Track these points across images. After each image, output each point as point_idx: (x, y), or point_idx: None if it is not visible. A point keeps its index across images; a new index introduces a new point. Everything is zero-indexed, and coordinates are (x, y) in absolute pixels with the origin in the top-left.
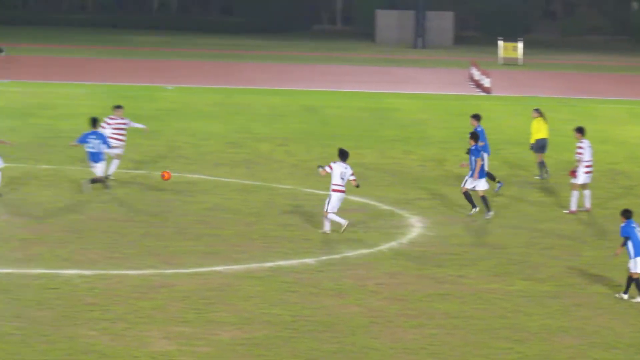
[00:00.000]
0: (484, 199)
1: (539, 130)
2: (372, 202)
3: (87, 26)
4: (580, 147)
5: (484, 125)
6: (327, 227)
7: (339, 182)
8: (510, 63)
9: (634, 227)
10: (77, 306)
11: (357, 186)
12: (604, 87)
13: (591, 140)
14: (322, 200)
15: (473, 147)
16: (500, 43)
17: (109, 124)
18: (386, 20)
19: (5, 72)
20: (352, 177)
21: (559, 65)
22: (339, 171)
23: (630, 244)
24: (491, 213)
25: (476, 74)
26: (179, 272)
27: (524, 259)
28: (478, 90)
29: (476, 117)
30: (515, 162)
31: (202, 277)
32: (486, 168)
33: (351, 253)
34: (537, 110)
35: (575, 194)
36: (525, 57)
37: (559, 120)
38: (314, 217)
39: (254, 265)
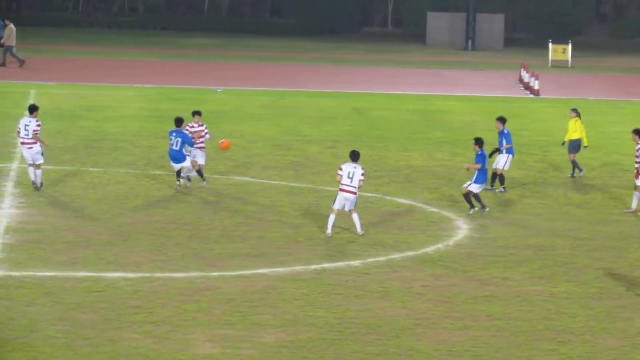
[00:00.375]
0: (476, 196)
1: (575, 130)
2: (419, 204)
3: (137, 28)
4: None
5: (533, 126)
6: (358, 227)
7: (347, 181)
8: (560, 65)
9: None
10: (120, 309)
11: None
12: None
13: None
14: (369, 202)
15: (479, 153)
16: (550, 45)
17: (187, 131)
18: (437, 22)
19: (53, 75)
20: (361, 177)
21: (608, 67)
22: (347, 171)
23: None
24: (475, 209)
25: (525, 76)
26: (223, 274)
27: (569, 260)
28: (527, 92)
29: (501, 119)
30: (563, 164)
31: (247, 280)
32: (507, 168)
33: (397, 255)
34: (574, 110)
35: (636, 195)
36: (575, 59)
37: (607, 122)
38: (361, 219)
39: (299, 268)
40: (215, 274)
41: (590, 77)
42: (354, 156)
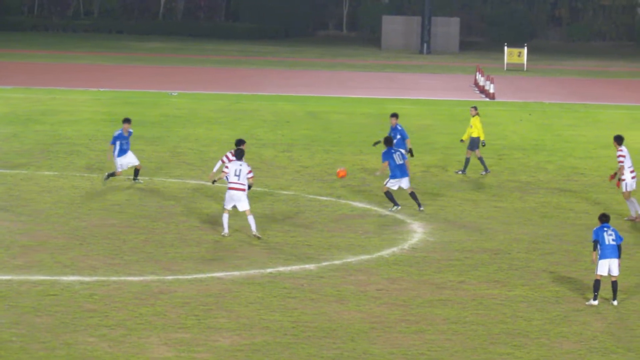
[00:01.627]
0: (413, 195)
1: (476, 127)
2: (374, 208)
3: (93, 32)
4: (621, 155)
5: (488, 130)
6: (253, 227)
7: (234, 179)
8: (515, 69)
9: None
10: (76, 312)
11: (250, 185)
12: (608, 92)
13: (593, 146)
14: (324, 206)
15: (384, 151)
16: (506, 49)
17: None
18: (392, 26)
19: (8, 79)
20: (249, 175)
21: (563, 70)
22: (234, 169)
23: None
24: (422, 208)
25: (481, 79)
26: (179, 278)
27: (525, 264)
28: (482, 95)
29: (395, 115)
30: (519, 167)
31: (202, 283)
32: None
33: (352, 259)
34: (474, 107)
35: (632, 201)
36: (530, 62)
37: (562, 125)
38: (316, 223)
39: (254, 272)
40: (171, 277)
41: (546, 80)
42: (239, 154)
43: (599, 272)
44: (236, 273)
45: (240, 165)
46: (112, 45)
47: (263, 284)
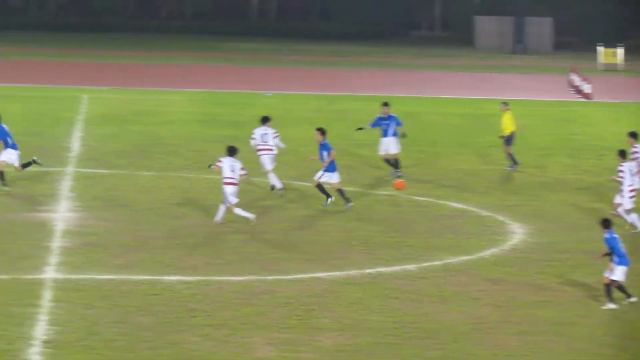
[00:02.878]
0: (340, 191)
1: (512, 123)
2: (473, 209)
3: (186, 33)
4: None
5: (585, 131)
6: (219, 216)
7: (229, 174)
8: (610, 69)
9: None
10: (179, 312)
11: (246, 178)
12: None
13: None
14: (423, 206)
15: (322, 142)
16: (600, 49)
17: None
18: (485, 26)
19: (104, 80)
20: (242, 172)
21: None
22: (229, 165)
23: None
24: (350, 204)
25: (576, 80)
26: (280, 278)
27: None
28: (578, 96)
29: (386, 104)
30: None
31: (303, 284)
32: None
33: (453, 259)
34: (505, 103)
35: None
36: (626, 62)
37: None
38: (415, 223)
39: (354, 272)
40: (272, 277)
41: None
42: (232, 152)
43: (617, 278)
44: (337, 273)
45: (234, 161)
46: (205, 46)
47: (364, 284)
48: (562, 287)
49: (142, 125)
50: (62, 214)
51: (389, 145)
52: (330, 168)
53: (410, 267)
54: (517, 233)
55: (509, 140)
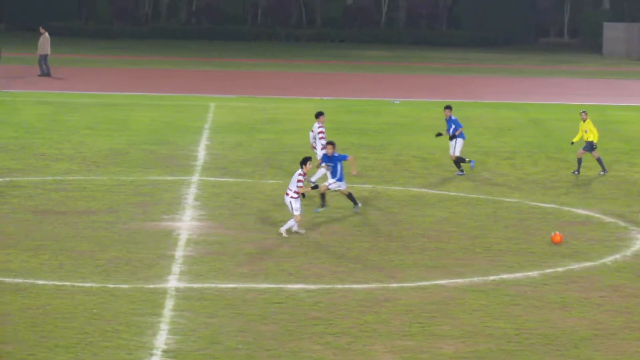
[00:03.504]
0: (349, 196)
1: (591, 131)
2: (597, 215)
3: (315, 41)
4: None
5: None
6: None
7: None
8: None
9: None
10: (301, 320)
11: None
12: None
13: None
14: (548, 213)
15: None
16: None
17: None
18: (614, 32)
19: (232, 88)
20: (298, 184)
21: None
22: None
23: None
24: (359, 205)
25: None
26: (402, 285)
27: None
28: None
29: (449, 107)
30: None
31: (426, 291)
32: (458, 154)
33: (575, 266)
34: (584, 112)
35: None
36: None
37: None
38: (539, 230)
39: (477, 279)
40: (395, 285)
41: None
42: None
43: None
44: (459, 280)
45: (295, 173)
46: (334, 54)
47: (487, 291)
48: None
49: (270, 134)
50: (187, 223)
51: (450, 147)
52: (340, 177)
53: (533, 273)
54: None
55: (591, 146)
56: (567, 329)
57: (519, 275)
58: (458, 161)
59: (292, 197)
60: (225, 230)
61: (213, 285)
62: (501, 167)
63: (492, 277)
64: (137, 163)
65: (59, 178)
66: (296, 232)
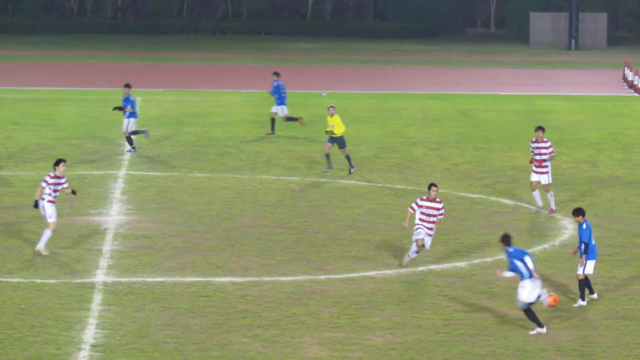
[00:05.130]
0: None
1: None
2: (524, 205)
3: (241, 34)
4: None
5: (638, 125)
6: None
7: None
8: None
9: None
10: (229, 313)
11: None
12: None
13: None
14: (475, 204)
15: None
16: None
17: None
18: (540, 22)
19: (159, 82)
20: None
21: None
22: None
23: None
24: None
25: (630, 75)
26: (331, 277)
27: None
28: (632, 91)
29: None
30: None
31: (354, 283)
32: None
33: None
34: (333, 106)
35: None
36: None
37: None
38: (466, 221)
39: (405, 270)
40: (323, 277)
41: None
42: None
43: (588, 272)
44: (387, 272)
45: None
46: (261, 46)
47: (415, 282)
48: (612, 282)
49: (197, 127)
50: (114, 217)
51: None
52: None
53: (461, 264)
54: (568, 228)
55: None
56: (496, 319)
57: (447, 265)
58: (130, 137)
59: (48, 201)
60: (153, 224)
61: (141, 279)
62: (428, 158)
63: (420, 268)
64: (64, 158)
65: None
66: (39, 252)
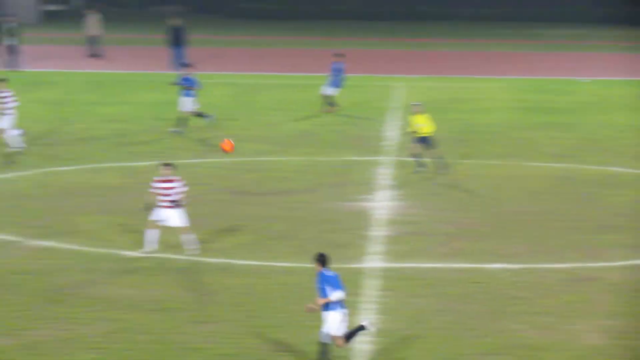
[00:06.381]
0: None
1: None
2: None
3: (503, 20)
4: None
5: None
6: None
7: None
8: None
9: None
10: (502, 300)
11: None
12: None
13: None
14: None
15: None
16: None
17: None
18: None
19: (420, 69)
20: None
21: None
22: None
23: None
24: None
25: None
26: (605, 265)
27: None
28: None
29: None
30: None
31: (630, 270)
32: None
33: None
34: (418, 104)
35: None
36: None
37: None
38: None
39: None
40: (596, 264)
41: None
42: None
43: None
44: None
45: None
46: (523, 33)
47: None
48: None
49: (459, 113)
50: (382, 203)
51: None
52: None
53: None
54: None
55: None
56: None
57: None
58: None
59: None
60: (423, 210)
61: (413, 265)
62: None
63: None
64: (328, 144)
65: (250, 159)
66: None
